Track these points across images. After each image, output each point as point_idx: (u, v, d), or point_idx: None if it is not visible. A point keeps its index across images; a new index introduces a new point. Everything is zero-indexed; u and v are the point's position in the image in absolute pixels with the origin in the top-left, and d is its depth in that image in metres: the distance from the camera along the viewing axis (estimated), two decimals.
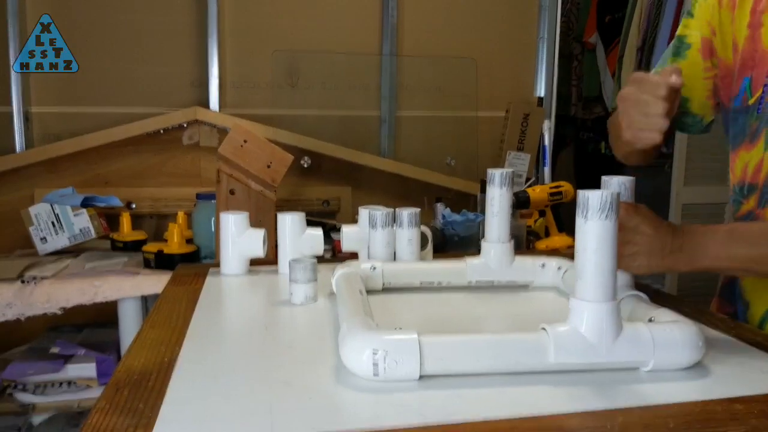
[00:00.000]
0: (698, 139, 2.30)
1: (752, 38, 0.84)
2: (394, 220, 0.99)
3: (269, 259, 1.59)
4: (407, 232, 0.98)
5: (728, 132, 0.91)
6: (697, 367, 0.65)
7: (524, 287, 0.96)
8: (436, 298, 0.92)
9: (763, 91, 0.83)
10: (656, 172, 2.59)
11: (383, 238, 0.99)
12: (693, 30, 0.94)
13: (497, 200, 0.92)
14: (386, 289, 0.92)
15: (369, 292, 0.84)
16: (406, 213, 0.98)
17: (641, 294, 0.77)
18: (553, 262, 0.96)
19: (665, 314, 0.70)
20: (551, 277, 0.96)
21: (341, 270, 0.87)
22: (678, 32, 0.97)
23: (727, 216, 2.43)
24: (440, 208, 1.97)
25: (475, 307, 0.89)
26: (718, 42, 0.91)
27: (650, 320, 0.69)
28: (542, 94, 2.39)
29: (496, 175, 0.91)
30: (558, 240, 1.88)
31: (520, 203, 1.84)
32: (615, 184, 0.80)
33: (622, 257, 0.75)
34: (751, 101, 0.84)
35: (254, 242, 1.03)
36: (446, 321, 0.83)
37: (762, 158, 0.85)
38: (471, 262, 0.95)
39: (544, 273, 0.96)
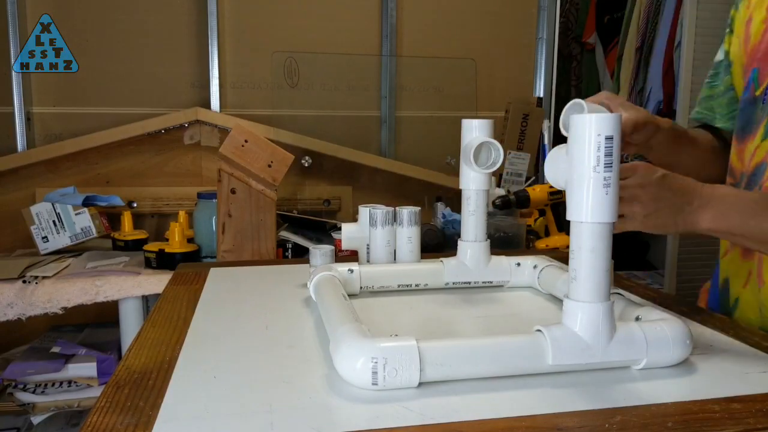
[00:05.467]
0: None
1: (766, 31, 0.86)
2: (394, 218, 0.99)
3: (272, 259, 1.59)
4: (407, 231, 0.98)
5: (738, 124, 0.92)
6: (695, 366, 0.66)
7: (499, 287, 0.96)
8: (415, 300, 0.91)
9: None
10: None
11: (383, 236, 0.99)
12: (735, 46, 0.95)
13: (474, 199, 0.91)
14: (363, 293, 0.92)
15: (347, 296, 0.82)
16: (406, 212, 0.98)
17: (621, 291, 0.78)
18: (528, 261, 0.96)
19: (651, 312, 0.70)
20: (527, 277, 0.95)
21: (319, 274, 0.86)
22: (724, 47, 0.98)
23: None
24: (440, 207, 1.98)
25: (456, 309, 0.88)
26: (735, 39, 0.93)
27: (637, 318, 0.70)
28: (541, 95, 2.40)
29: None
30: (558, 239, 1.88)
31: (519, 202, 1.84)
32: None
33: (643, 217, 0.73)
34: (757, 92, 0.86)
35: None
36: (432, 324, 0.82)
37: (757, 147, 0.86)
38: (448, 262, 0.94)
39: (520, 272, 0.95)
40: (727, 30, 0.97)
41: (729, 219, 0.74)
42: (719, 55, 1.00)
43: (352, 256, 1.67)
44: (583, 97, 1.28)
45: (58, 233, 1.81)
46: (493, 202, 1.80)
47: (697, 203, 0.74)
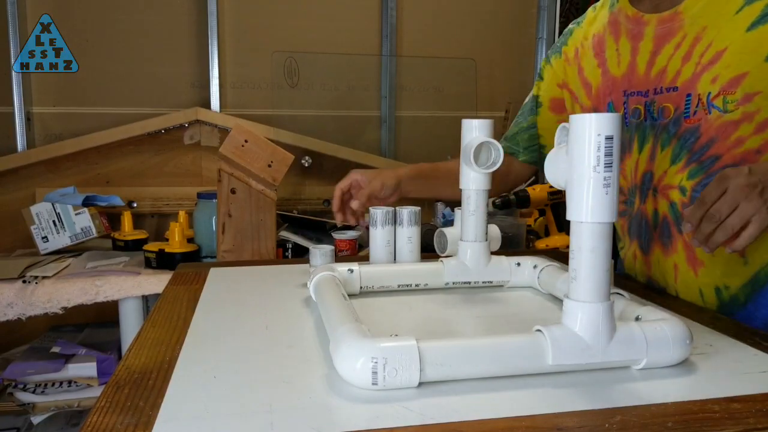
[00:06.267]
0: None
1: (604, 73, 1.02)
2: (394, 218, 0.99)
3: (272, 259, 1.59)
4: (407, 231, 0.98)
5: None
6: (695, 366, 0.66)
7: (499, 287, 0.96)
8: (415, 300, 0.91)
9: (624, 108, 0.99)
10: None
11: (383, 236, 0.99)
12: (543, 92, 1.16)
13: (474, 199, 0.91)
14: (363, 293, 0.92)
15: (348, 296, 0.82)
16: (407, 212, 0.98)
17: (622, 292, 0.78)
18: (528, 261, 0.96)
19: (651, 312, 0.70)
20: (527, 276, 0.95)
21: (318, 274, 0.86)
22: (533, 92, 1.19)
23: None
24: (440, 207, 1.98)
25: (456, 309, 0.88)
26: (568, 94, 1.10)
27: (637, 318, 0.70)
28: None
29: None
30: (558, 239, 1.88)
31: (519, 202, 1.84)
32: None
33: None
34: None
35: None
36: (432, 324, 0.82)
37: (637, 160, 0.98)
38: (448, 262, 0.94)
39: (520, 272, 0.95)
40: (537, 78, 1.18)
41: None
42: (527, 98, 1.20)
43: (352, 256, 1.66)
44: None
45: (58, 233, 1.81)
46: (493, 202, 1.80)
47: None
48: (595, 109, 1.04)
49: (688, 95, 0.90)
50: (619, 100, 1.00)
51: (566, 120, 1.04)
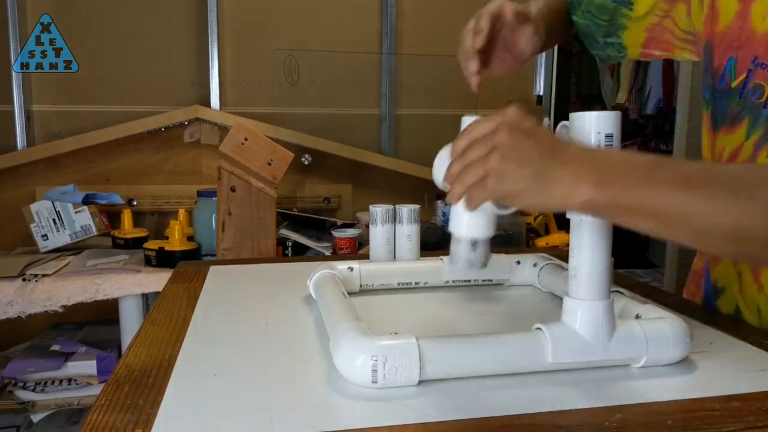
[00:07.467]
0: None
1: (742, 14, 0.74)
2: (394, 216, 0.99)
3: (272, 257, 1.59)
4: (407, 229, 0.98)
5: (708, 104, 0.82)
6: (695, 364, 0.66)
7: (499, 285, 0.96)
8: (415, 298, 0.90)
9: (747, 76, 0.75)
10: None
11: (383, 234, 0.99)
12: None
13: None
14: (363, 291, 0.91)
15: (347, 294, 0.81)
16: (406, 209, 0.98)
17: (622, 290, 0.78)
18: (528, 259, 0.96)
19: (651, 310, 0.70)
20: (527, 274, 0.95)
21: (318, 272, 0.86)
22: None
23: None
24: (440, 205, 1.98)
25: (456, 307, 0.87)
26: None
27: (637, 316, 0.70)
28: (541, 93, 2.40)
29: None
30: (557, 237, 1.88)
31: None
32: None
33: (484, 180, 0.55)
34: (734, 84, 0.77)
35: None
36: (432, 322, 0.82)
37: (741, 146, 0.76)
38: (448, 260, 0.94)
39: (520, 270, 0.95)
40: None
41: (614, 185, 0.54)
42: None
43: (352, 254, 1.67)
44: (583, 95, 1.28)
45: (58, 231, 1.81)
46: None
47: (575, 166, 0.55)
48: (706, 50, 0.80)
49: None
50: (745, 64, 0.75)
51: (667, 17, 0.84)
